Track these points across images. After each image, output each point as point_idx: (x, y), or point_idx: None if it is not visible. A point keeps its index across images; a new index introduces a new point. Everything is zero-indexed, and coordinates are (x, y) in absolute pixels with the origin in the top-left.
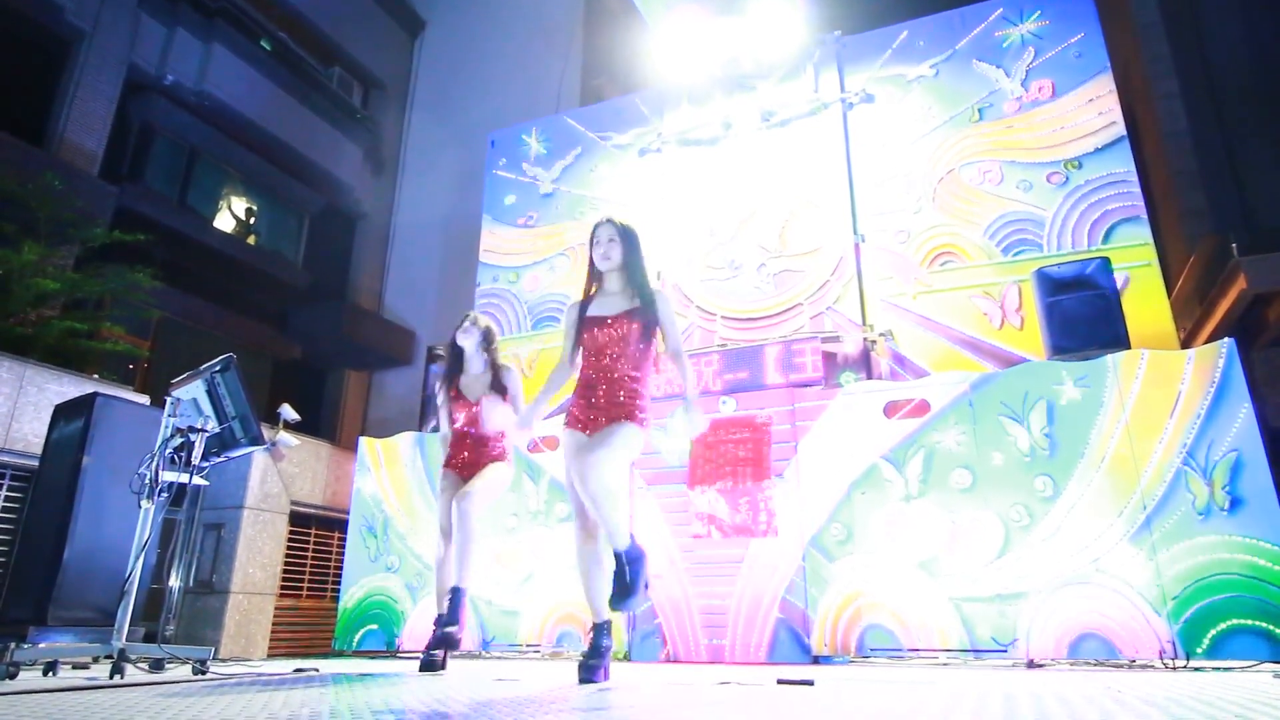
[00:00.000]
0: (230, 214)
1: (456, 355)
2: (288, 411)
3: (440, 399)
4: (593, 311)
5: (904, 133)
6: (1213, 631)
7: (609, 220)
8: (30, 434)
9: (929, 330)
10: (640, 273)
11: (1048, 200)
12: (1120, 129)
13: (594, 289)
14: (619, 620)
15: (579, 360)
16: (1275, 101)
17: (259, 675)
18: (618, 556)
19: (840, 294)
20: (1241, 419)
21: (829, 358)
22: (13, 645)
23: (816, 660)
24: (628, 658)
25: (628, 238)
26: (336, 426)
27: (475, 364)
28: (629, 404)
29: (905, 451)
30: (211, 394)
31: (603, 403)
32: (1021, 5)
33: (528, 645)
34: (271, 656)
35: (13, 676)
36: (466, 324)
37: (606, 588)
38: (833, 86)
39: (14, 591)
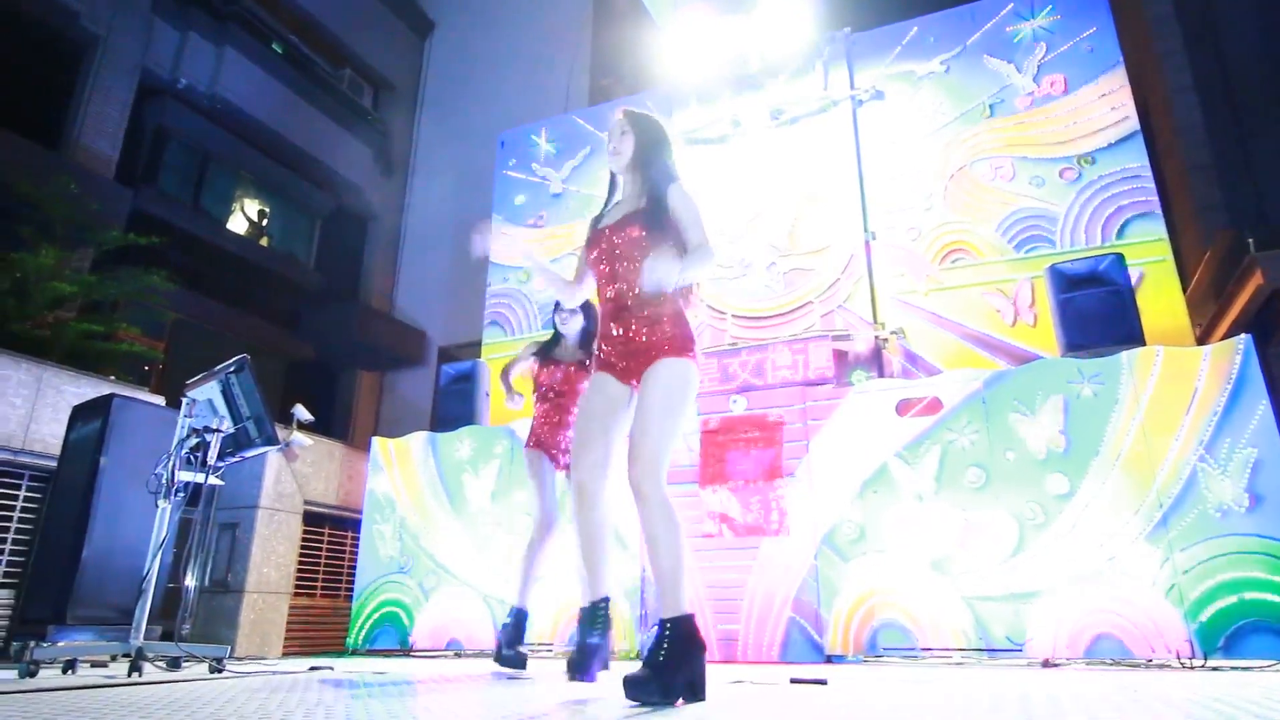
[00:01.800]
0: (243, 216)
1: (555, 336)
2: (301, 412)
3: (524, 357)
4: (601, 224)
5: (914, 129)
6: (1230, 630)
7: (624, 110)
8: (48, 435)
9: (941, 328)
10: (654, 168)
11: (1060, 196)
12: (1134, 124)
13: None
14: (626, 613)
15: (588, 281)
16: None
17: (274, 673)
18: (663, 628)
19: (851, 292)
20: (1259, 416)
21: (840, 356)
22: (33, 644)
23: (829, 659)
24: (639, 656)
25: (641, 126)
26: (349, 426)
27: (570, 342)
28: (670, 333)
29: (918, 450)
30: (226, 394)
31: (633, 337)
32: (1033, 0)
33: (539, 644)
34: (286, 655)
35: (33, 674)
36: (565, 314)
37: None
38: (842, 84)
39: (34, 591)
